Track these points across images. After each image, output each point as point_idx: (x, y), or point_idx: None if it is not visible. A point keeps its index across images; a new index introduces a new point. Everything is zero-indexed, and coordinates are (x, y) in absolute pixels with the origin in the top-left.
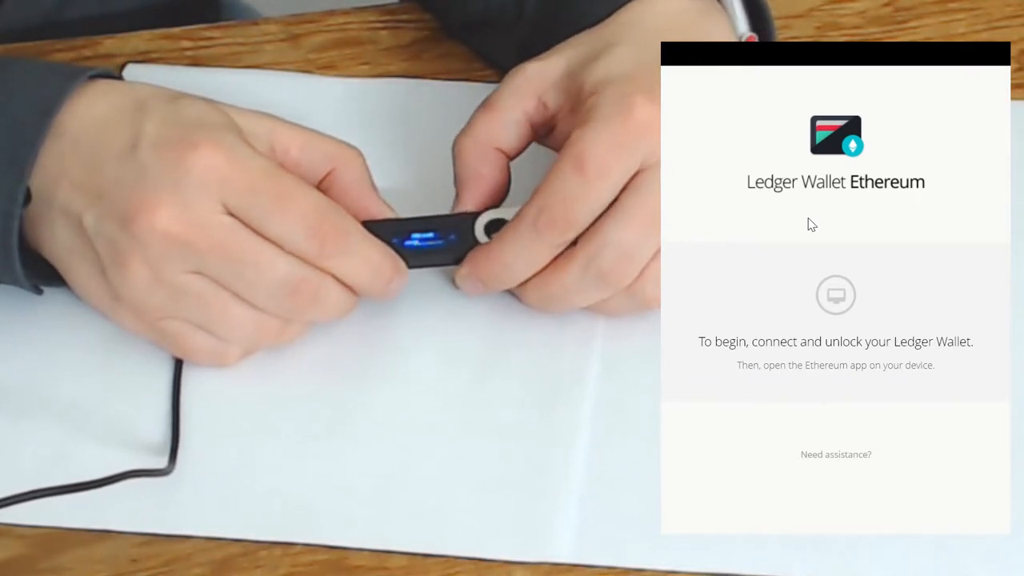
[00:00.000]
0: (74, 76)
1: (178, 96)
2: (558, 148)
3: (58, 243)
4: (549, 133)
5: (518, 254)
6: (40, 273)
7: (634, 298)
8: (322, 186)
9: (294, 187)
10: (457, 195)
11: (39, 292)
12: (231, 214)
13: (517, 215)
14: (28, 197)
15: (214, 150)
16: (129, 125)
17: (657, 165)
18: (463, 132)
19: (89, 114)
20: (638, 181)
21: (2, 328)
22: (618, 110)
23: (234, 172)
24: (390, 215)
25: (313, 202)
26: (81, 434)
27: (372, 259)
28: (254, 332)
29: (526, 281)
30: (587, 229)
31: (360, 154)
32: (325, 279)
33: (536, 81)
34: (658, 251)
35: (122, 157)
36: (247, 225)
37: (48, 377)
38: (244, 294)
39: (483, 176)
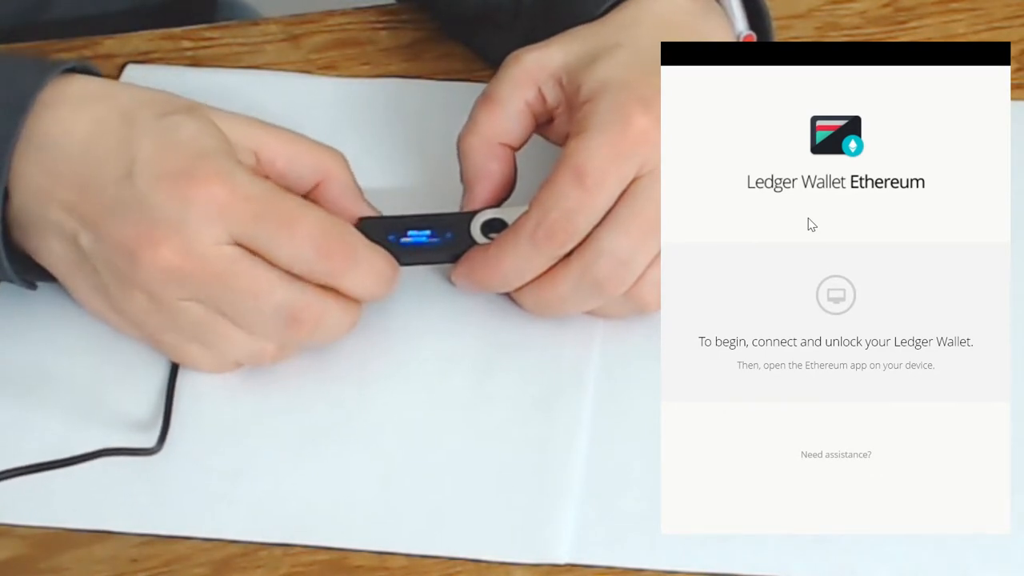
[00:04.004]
0: (44, 72)
1: (165, 109)
2: (555, 141)
3: (54, 255)
4: (548, 124)
5: (515, 264)
6: (32, 271)
7: (631, 302)
8: (309, 197)
9: (297, 210)
10: (465, 192)
11: (33, 287)
12: (237, 243)
13: (515, 225)
14: (6, 195)
15: (214, 182)
16: (120, 146)
17: (652, 173)
18: (468, 130)
19: (72, 126)
20: (633, 189)
21: (4, 319)
22: (616, 119)
23: (236, 203)
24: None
25: (318, 222)
26: (81, 429)
27: (378, 267)
28: (253, 354)
29: (522, 288)
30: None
31: (344, 160)
32: (326, 304)
33: (535, 71)
34: (654, 258)
35: (118, 183)
36: (255, 253)
37: (49, 370)
38: (243, 322)
39: (492, 172)
